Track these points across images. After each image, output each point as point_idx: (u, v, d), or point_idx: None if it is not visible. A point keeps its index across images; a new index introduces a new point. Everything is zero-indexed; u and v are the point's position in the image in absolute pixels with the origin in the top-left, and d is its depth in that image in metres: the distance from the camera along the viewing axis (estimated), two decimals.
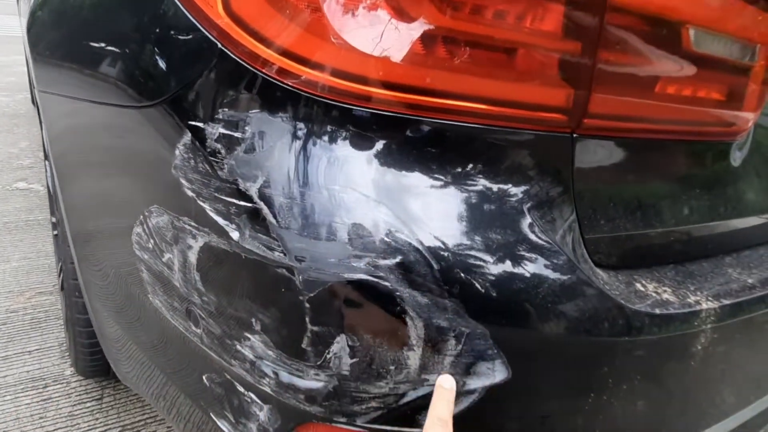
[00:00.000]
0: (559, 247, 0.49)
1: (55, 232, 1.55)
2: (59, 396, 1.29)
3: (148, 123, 0.59)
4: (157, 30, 0.58)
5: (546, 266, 0.48)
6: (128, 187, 0.68)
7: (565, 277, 0.49)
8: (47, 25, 0.96)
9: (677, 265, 0.63)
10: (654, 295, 0.56)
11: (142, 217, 0.64)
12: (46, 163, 1.49)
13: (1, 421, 1.20)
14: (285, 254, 0.46)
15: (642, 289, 0.56)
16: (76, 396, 1.29)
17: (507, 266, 0.47)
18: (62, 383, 1.33)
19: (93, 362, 1.18)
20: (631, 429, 0.58)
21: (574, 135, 0.50)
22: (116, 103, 0.66)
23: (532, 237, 0.48)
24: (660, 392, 0.57)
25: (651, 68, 0.49)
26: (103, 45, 0.69)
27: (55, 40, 0.90)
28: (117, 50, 0.65)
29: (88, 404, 1.27)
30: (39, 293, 1.67)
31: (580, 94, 0.47)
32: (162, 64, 0.57)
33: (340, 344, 0.46)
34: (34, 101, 3.57)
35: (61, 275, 1.40)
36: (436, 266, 0.45)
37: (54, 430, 1.19)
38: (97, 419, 1.23)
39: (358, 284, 0.44)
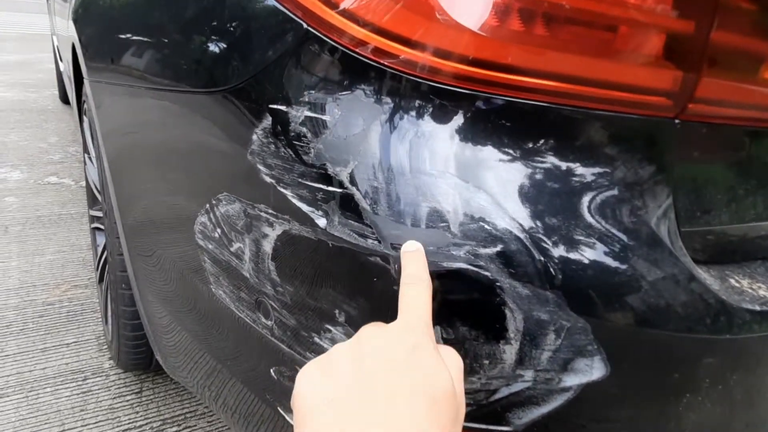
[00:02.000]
0: (662, 239, 0.47)
1: (93, 226, 1.56)
2: (99, 389, 1.29)
3: (221, 108, 0.58)
4: (231, 12, 0.57)
5: (648, 259, 0.46)
6: (192, 176, 0.67)
7: (667, 271, 0.46)
8: (101, 12, 0.95)
9: (766, 261, 0.60)
10: (750, 291, 0.53)
11: (208, 206, 0.63)
12: (86, 156, 1.49)
13: (42, 413, 1.20)
14: (380, 241, 0.44)
15: (737, 285, 0.53)
16: (116, 389, 1.29)
17: (609, 257, 0.45)
18: (101, 376, 1.33)
19: (136, 355, 1.17)
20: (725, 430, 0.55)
21: (677, 121, 0.47)
22: (183, 89, 0.65)
23: (634, 228, 0.46)
24: (756, 394, 0.55)
25: (766, 52, 0.47)
26: (167, 29, 0.68)
27: (111, 27, 0.89)
28: (188, 33, 0.64)
29: (128, 397, 1.27)
30: (74, 286, 1.67)
31: (688, 77, 0.45)
32: (239, 47, 0.55)
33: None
34: (62, 98, 3.61)
35: (100, 268, 1.40)
36: (537, 256, 0.43)
37: (95, 422, 1.19)
38: (137, 413, 1.23)
39: (457, 273, 0.42)
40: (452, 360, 0.40)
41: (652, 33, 0.44)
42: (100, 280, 1.42)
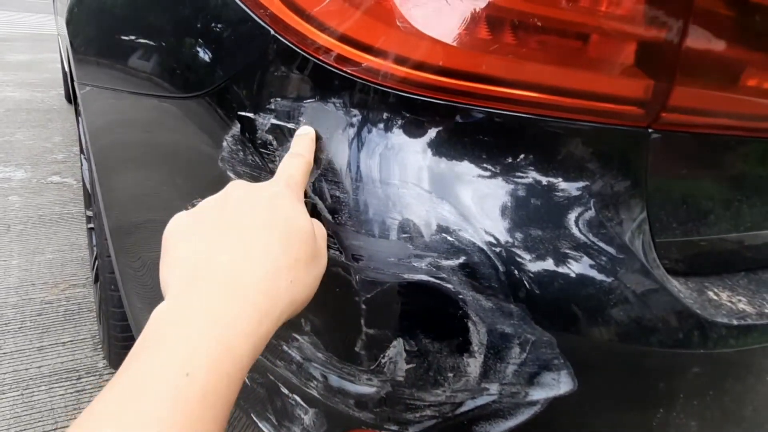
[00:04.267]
0: (633, 251, 0.46)
1: (90, 226, 1.56)
2: (92, 388, 1.29)
3: (193, 114, 0.57)
4: (205, 17, 0.57)
5: (618, 272, 0.45)
6: (170, 180, 0.67)
7: (638, 284, 0.45)
8: (88, 16, 0.95)
9: (749, 273, 0.59)
10: (728, 304, 0.52)
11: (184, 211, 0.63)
12: (82, 156, 1.50)
13: (36, 411, 1.21)
14: (341, 252, 0.43)
15: (715, 298, 0.52)
16: None
17: (577, 270, 0.44)
18: (95, 375, 1.33)
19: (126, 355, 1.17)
20: None
21: (651, 130, 0.46)
22: (160, 94, 0.65)
23: (604, 240, 0.45)
24: (734, 410, 0.53)
25: (742, 59, 0.45)
26: (147, 34, 0.68)
27: (97, 31, 0.89)
28: (162, 39, 0.63)
29: None
30: (72, 285, 1.68)
31: (660, 86, 0.44)
32: (209, 53, 0.55)
33: (396, 348, 0.44)
34: (68, 97, 3.64)
35: (95, 268, 1.40)
36: (501, 268, 0.42)
37: None
38: None
39: (418, 285, 0.42)
40: (318, 227, 0.43)
41: (623, 41, 0.43)
42: (96, 279, 1.42)
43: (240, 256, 0.36)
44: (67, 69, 2.27)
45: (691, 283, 0.53)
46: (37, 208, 2.15)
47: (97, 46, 0.86)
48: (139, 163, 0.76)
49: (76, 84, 1.00)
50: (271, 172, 0.48)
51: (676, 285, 0.49)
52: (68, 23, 1.13)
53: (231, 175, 0.52)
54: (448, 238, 0.42)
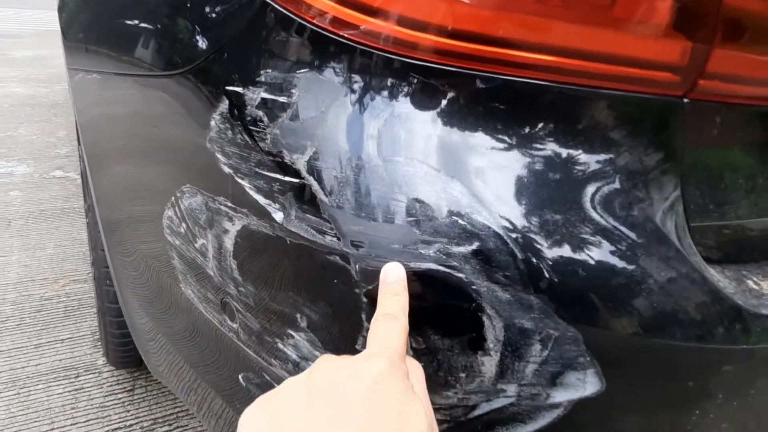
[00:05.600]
0: (666, 235, 0.41)
1: (87, 219, 1.53)
2: (91, 386, 1.26)
3: (181, 91, 0.53)
4: None
5: (651, 258, 0.40)
6: (159, 166, 0.63)
7: (672, 272, 0.40)
8: (77, 1, 0.91)
9: None
10: None
11: (173, 198, 0.58)
12: (79, 147, 1.46)
13: (33, 410, 1.18)
14: (339, 239, 0.38)
15: (756, 287, 0.47)
16: (108, 387, 1.26)
17: (603, 257, 0.39)
18: (94, 373, 1.30)
19: (124, 353, 1.14)
20: None
21: (686, 100, 0.41)
22: (145, 73, 0.60)
23: (634, 223, 0.40)
24: None
25: None
26: (132, 12, 0.64)
27: (85, 15, 0.85)
28: (147, 15, 0.59)
29: (120, 395, 1.24)
30: (73, 281, 1.65)
31: (698, 49, 0.39)
32: (194, 26, 0.50)
33: None
34: None
35: (93, 265, 1.37)
36: (520, 255, 0.37)
37: (85, 421, 1.16)
38: (128, 411, 1.20)
39: (426, 275, 0.37)
40: (416, 372, 0.35)
41: None
42: (95, 275, 1.39)
43: None
44: None
45: (729, 271, 0.48)
46: (38, 203, 2.12)
47: (86, 29, 0.82)
48: (127, 150, 0.72)
49: (67, 71, 0.96)
50: (262, 152, 0.43)
51: (713, 273, 0.44)
52: (60, 10, 1.09)
53: (219, 156, 0.47)
54: (460, 221, 0.37)
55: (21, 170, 2.43)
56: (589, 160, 0.40)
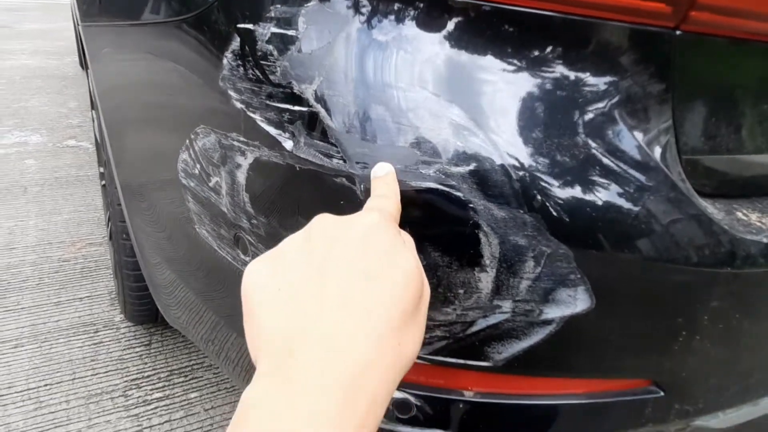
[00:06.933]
0: (657, 161, 0.43)
1: (103, 183, 1.57)
2: (109, 341, 1.31)
3: (192, 36, 0.55)
4: None
5: (640, 181, 0.42)
6: (174, 112, 0.65)
7: (662, 195, 0.42)
8: None
9: None
10: (758, 224, 0.49)
11: (188, 141, 0.61)
12: (93, 112, 1.49)
13: (55, 362, 1.23)
14: (345, 161, 0.41)
15: (744, 218, 0.49)
16: (126, 341, 1.31)
17: (596, 178, 0.41)
18: (112, 329, 1.35)
19: (141, 307, 1.18)
20: (725, 372, 0.52)
21: (678, 32, 0.43)
22: (162, 19, 0.62)
23: (625, 147, 0.42)
24: (762, 335, 0.51)
25: None
26: None
27: None
28: None
29: (137, 349, 1.29)
30: (89, 244, 1.70)
31: None
32: None
33: None
34: (82, 64, 3.63)
35: (109, 222, 1.41)
36: (514, 175, 0.40)
37: (105, 372, 1.22)
38: (146, 363, 1.25)
39: (426, 194, 0.39)
40: (407, 238, 0.38)
41: None
42: (111, 236, 1.43)
43: (337, 328, 0.29)
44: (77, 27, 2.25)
45: (719, 204, 0.50)
46: (53, 171, 2.17)
47: None
48: (143, 99, 0.74)
49: (80, 28, 0.98)
50: (273, 85, 0.45)
51: (702, 201, 0.46)
52: None
53: (232, 93, 0.49)
54: (458, 143, 0.40)
55: (35, 139, 2.47)
56: (581, 88, 0.42)
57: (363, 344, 0.29)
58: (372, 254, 0.32)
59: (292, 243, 0.35)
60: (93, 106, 1.46)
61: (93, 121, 1.53)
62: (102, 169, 1.57)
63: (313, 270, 0.32)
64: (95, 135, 1.56)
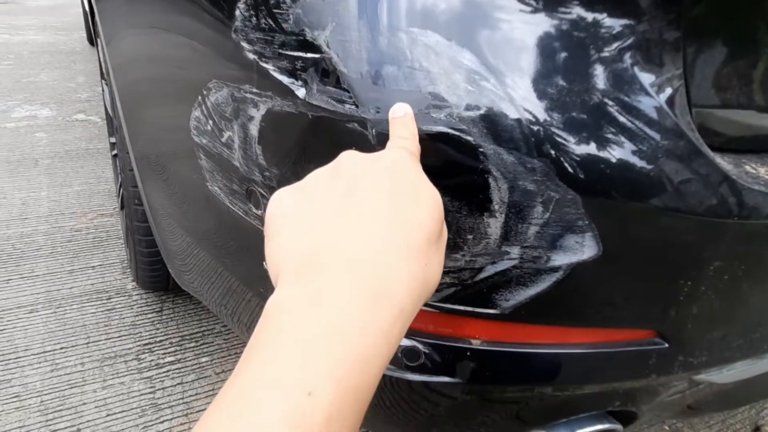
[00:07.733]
0: (666, 110, 0.43)
1: (113, 153, 1.58)
2: (122, 307, 1.34)
3: None
4: None
5: (649, 128, 0.42)
6: (186, 69, 0.66)
7: (670, 143, 0.43)
8: None
9: None
10: (767, 177, 0.49)
11: (200, 98, 0.62)
12: (103, 83, 1.50)
13: (70, 327, 1.26)
14: (357, 106, 0.41)
15: (752, 171, 0.49)
16: (138, 308, 1.34)
17: (604, 123, 0.41)
18: (124, 296, 1.38)
19: (153, 273, 1.20)
20: (729, 326, 0.53)
21: None
22: None
23: (635, 93, 0.42)
24: (767, 290, 0.52)
25: None
26: None
27: None
28: None
29: (150, 315, 1.31)
30: (100, 215, 1.72)
31: None
32: None
33: None
34: (90, 40, 3.63)
35: (121, 192, 1.42)
36: (524, 120, 0.40)
37: (118, 336, 1.24)
38: (157, 329, 1.27)
39: (437, 137, 0.40)
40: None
41: None
42: (122, 206, 1.45)
43: (366, 239, 0.30)
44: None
45: (728, 157, 0.50)
46: (63, 144, 2.18)
47: None
48: (155, 59, 0.75)
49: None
50: (285, 33, 0.46)
51: (710, 151, 0.46)
52: None
53: (244, 44, 0.50)
54: (469, 87, 0.40)
55: (45, 113, 2.49)
56: (592, 32, 0.42)
57: (393, 256, 0.30)
58: (399, 180, 0.33)
59: (319, 174, 0.36)
60: (103, 75, 1.47)
61: (103, 91, 1.53)
62: (113, 139, 1.59)
63: (339, 193, 0.33)
64: (105, 105, 1.57)
